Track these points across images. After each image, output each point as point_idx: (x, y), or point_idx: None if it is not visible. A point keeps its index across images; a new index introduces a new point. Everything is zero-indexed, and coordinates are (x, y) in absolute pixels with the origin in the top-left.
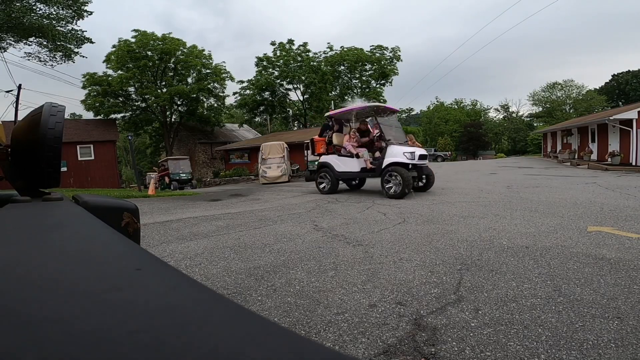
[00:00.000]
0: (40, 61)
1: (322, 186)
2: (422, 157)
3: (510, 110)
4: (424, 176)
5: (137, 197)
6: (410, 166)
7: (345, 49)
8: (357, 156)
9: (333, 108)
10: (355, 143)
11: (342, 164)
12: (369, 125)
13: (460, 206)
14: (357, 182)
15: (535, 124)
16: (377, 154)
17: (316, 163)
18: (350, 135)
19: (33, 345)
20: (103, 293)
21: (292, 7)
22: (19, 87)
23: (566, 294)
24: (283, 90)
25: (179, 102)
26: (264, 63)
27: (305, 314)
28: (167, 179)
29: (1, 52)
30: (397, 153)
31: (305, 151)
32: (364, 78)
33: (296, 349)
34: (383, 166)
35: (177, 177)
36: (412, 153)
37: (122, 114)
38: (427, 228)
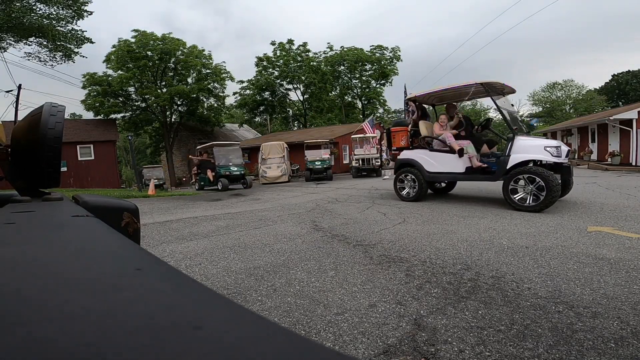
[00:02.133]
0: (40, 61)
1: (404, 192)
2: (567, 154)
3: None
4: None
5: (137, 197)
6: (541, 163)
7: (345, 49)
8: (462, 152)
9: (408, 91)
10: (452, 133)
11: (436, 162)
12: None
13: (460, 206)
14: (445, 184)
15: (535, 124)
16: (485, 148)
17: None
18: (439, 122)
19: (32, 346)
20: (103, 293)
21: (292, 8)
22: (19, 87)
23: (566, 294)
24: (283, 90)
25: (179, 102)
26: (264, 63)
27: (305, 314)
28: (210, 174)
29: (1, 52)
30: (533, 148)
31: (369, 145)
32: (364, 78)
33: (296, 349)
34: (509, 166)
35: (227, 172)
36: (558, 148)
37: (122, 114)
38: (427, 228)
